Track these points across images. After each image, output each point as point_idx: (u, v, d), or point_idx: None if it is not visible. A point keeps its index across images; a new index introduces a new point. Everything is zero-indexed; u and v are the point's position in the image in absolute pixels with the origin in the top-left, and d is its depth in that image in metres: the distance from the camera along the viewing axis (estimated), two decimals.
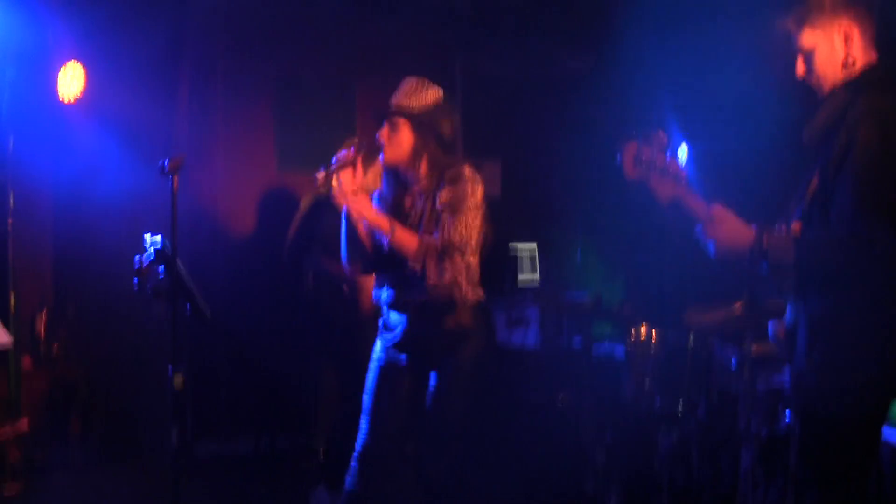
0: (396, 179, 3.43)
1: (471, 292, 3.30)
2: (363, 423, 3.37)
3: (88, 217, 5.27)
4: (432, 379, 3.30)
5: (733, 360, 4.29)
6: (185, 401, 3.30)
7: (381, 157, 3.35)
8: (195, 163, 5.57)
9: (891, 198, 2.33)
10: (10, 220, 4.86)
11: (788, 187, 2.73)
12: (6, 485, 4.65)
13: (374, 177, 3.61)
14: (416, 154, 3.32)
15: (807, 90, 2.68)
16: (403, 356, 3.35)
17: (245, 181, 5.95)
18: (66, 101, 5.19)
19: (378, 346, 3.44)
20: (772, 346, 4.21)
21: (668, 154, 2.48)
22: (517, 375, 5.41)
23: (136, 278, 3.47)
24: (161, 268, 3.39)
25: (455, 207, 3.23)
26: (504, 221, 6.64)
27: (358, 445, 3.36)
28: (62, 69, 5.17)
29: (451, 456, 3.34)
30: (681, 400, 4.15)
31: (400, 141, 3.32)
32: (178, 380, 3.11)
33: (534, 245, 6.43)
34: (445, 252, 3.21)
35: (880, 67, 2.54)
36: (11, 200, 4.86)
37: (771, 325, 3.66)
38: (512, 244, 6.31)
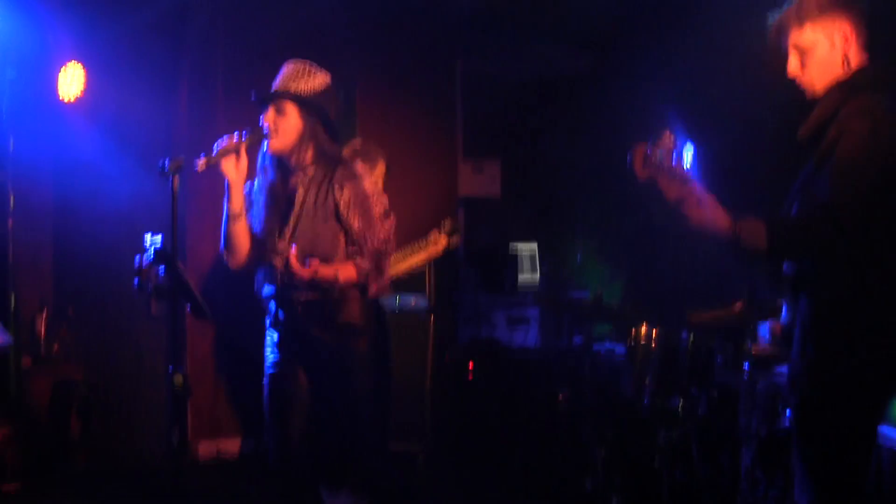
0: (277, 164, 3.25)
1: (357, 290, 3.18)
2: (268, 435, 3.25)
3: (88, 217, 5.27)
4: (328, 377, 3.19)
5: (733, 360, 4.29)
6: (185, 401, 3.29)
7: (265, 143, 3.20)
8: (195, 163, 5.56)
9: (867, 190, 2.35)
10: (10, 221, 4.86)
11: (788, 187, 2.74)
12: (5, 485, 4.65)
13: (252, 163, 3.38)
14: (303, 140, 3.17)
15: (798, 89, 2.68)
16: (295, 354, 3.23)
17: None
18: (66, 102, 5.20)
19: (268, 346, 3.29)
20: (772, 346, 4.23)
21: (675, 155, 2.49)
22: (518, 375, 5.41)
23: (136, 278, 3.46)
24: (161, 268, 3.39)
25: (363, 210, 3.13)
26: (504, 221, 6.71)
27: (271, 458, 3.25)
28: (62, 70, 5.17)
29: (372, 447, 3.28)
30: (681, 399, 4.15)
31: (287, 127, 3.16)
32: (178, 379, 3.10)
33: (534, 245, 6.43)
34: (381, 260, 3.14)
35: (871, 69, 2.56)
36: (11, 201, 4.87)
37: (766, 326, 3.68)
38: (512, 244, 6.31)
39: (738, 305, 3.76)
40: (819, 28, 2.56)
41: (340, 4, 5.85)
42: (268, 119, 3.19)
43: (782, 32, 2.62)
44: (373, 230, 3.13)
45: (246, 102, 6.08)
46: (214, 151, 3.11)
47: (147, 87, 5.42)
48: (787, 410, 3.91)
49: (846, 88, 2.52)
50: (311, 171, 3.19)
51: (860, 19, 2.57)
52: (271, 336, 3.29)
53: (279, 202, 3.22)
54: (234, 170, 3.13)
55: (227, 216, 3.20)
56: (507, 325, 5.79)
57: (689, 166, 2.51)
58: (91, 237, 5.28)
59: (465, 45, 6.56)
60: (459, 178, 6.56)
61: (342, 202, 3.14)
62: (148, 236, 3.44)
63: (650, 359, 4.24)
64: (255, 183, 3.31)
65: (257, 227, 3.24)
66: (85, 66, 5.22)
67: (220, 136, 3.20)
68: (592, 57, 6.76)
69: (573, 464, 4.55)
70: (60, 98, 5.17)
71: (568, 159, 6.66)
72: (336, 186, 3.15)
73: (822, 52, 2.56)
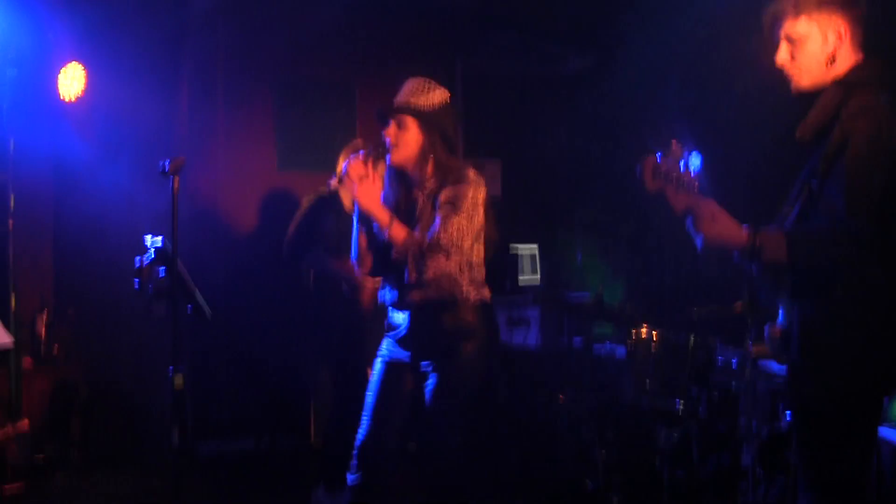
0: (400, 179, 3.40)
1: (473, 292, 3.28)
2: (364, 419, 3.35)
3: (89, 217, 5.27)
4: (433, 377, 3.28)
5: (734, 360, 4.30)
6: (186, 401, 3.29)
7: (387, 157, 3.31)
8: (195, 163, 5.57)
9: (880, 195, 2.33)
10: (10, 221, 4.85)
11: (788, 189, 2.73)
12: (7, 485, 4.65)
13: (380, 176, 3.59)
14: (423, 154, 3.29)
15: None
16: (406, 354, 3.34)
17: (245, 181, 5.95)
18: (66, 102, 5.19)
19: (384, 344, 3.43)
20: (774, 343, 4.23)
21: (683, 164, 2.47)
22: (518, 375, 5.41)
23: (136, 278, 3.47)
24: (161, 268, 3.40)
25: (452, 208, 3.21)
26: (504, 221, 6.69)
27: (358, 441, 3.34)
28: (63, 70, 5.17)
29: (451, 453, 3.33)
30: (681, 399, 4.15)
31: (408, 140, 3.29)
32: (178, 380, 3.11)
33: (535, 245, 6.43)
34: (430, 250, 3.17)
35: (869, 66, 2.55)
36: (12, 201, 4.86)
37: (767, 328, 3.66)
38: (513, 244, 6.31)
39: (738, 307, 3.76)
40: (814, 21, 2.55)
41: (341, 4, 5.84)
42: (390, 133, 3.30)
43: (777, 20, 2.61)
44: (446, 225, 3.18)
45: (245, 102, 6.13)
46: (344, 171, 3.21)
47: (147, 88, 5.41)
48: (788, 411, 3.92)
49: (845, 86, 2.52)
50: (430, 184, 3.31)
51: (857, 20, 2.56)
52: (387, 338, 3.41)
53: (400, 214, 3.31)
54: (355, 182, 3.21)
55: (357, 228, 3.33)
56: (508, 325, 5.79)
57: (696, 176, 2.48)
58: (91, 237, 5.28)
59: (465, 44, 6.56)
60: None
61: (440, 200, 3.24)
62: (148, 237, 3.45)
63: (650, 359, 4.25)
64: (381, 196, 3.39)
65: (382, 238, 3.31)
66: (85, 66, 5.21)
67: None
68: (592, 57, 6.76)
69: (574, 464, 4.56)
70: (61, 98, 5.17)
71: (568, 159, 6.66)
72: (442, 191, 3.26)
73: (813, 46, 2.56)
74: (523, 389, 5.30)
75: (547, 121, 6.85)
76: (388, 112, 3.33)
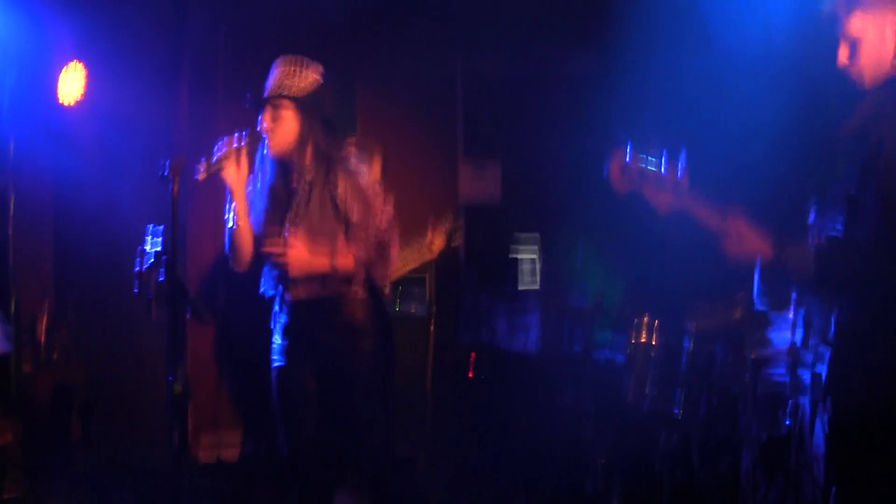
0: (277, 165, 3.25)
1: (360, 289, 3.19)
2: (280, 432, 3.25)
3: (89, 220, 5.26)
4: (332, 377, 3.20)
5: (733, 363, 4.29)
6: (185, 402, 3.29)
7: (264, 145, 3.19)
8: (195, 163, 5.55)
9: None
10: (10, 223, 4.85)
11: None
12: (7, 488, 4.64)
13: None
14: (301, 140, 3.16)
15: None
16: (301, 355, 3.23)
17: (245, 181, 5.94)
18: (66, 103, 5.18)
19: (274, 345, 3.30)
20: (773, 347, 4.22)
21: (664, 161, 2.38)
22: (518, 378, 5.41)
23: (136, 281, 3.47)
24: (161, 271, 3.40)
25: (361, 201, 3.13)
26: (504, 222, 6.70)
27: (285, 456, 3.25)
28: (63, 71, 5.16)
29: (379, 447, 3.27)
30: (681, 401, 4.15)
31: (285, 128, 3.15)
32: (177, 388, 3.09)
33: (535, 247, 6.42)
34: (384, 247, 3.13)
35: None
36: (12, 203, 4.85)
37: (778, 329, 3.63)
38: (513, 246, 6.30)
39: (737, 312, 3.75)
40: (869, 19, 2.42)
41: (341, 4, 5.84)
42: (265, 120, 3.17)
43: (834, 21, 2.48)
44: (372, 219, 3.14)
45: (246, 102, 6.10)
46: (214, 158, 3.12)
47: (147, 88, 5.41)
48: (788, 414, 3.91)
49: (890, 87, 2.40)
50: (310, 170, 3.19)
51: None
52: (276, 336, 3.29)
53: (281, 203, 3.21)
54: (234, 175, 3.12)
55: (231, 220, 3.20)
56: (507, 328, 5.78)
57: (683, 176, 2.37)
58: (91, 240, 5.27)
59: (465, 44, 6.55)
60: (459, 179, 6.55)
61: (339, 198, 3.15)
62: (148, 239, 3.45)
63: (650, 362, 4.24)
64: (257, 184, 3.30)
65: (259, 229, 3.24)
66: (86, 66, 5.21)
67: (220, 138, 3.20)
68: (593, 57, 6.75)
69: (574, 467, 4.55)
70: (61, 99, 5.16)
71: (568, 160, 6.64)
72: (333, 184, 3.16)
73: (870, 44, 2.42)
74: (523, 392, 5.29)
75: (547, 121, 6.83)
76: (261, 101, 3.18)
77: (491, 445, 5.16)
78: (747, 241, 2.37)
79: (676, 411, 4.14)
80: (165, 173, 3.10)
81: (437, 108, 6.43)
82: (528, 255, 6.36)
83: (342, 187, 3.15)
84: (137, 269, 3.43)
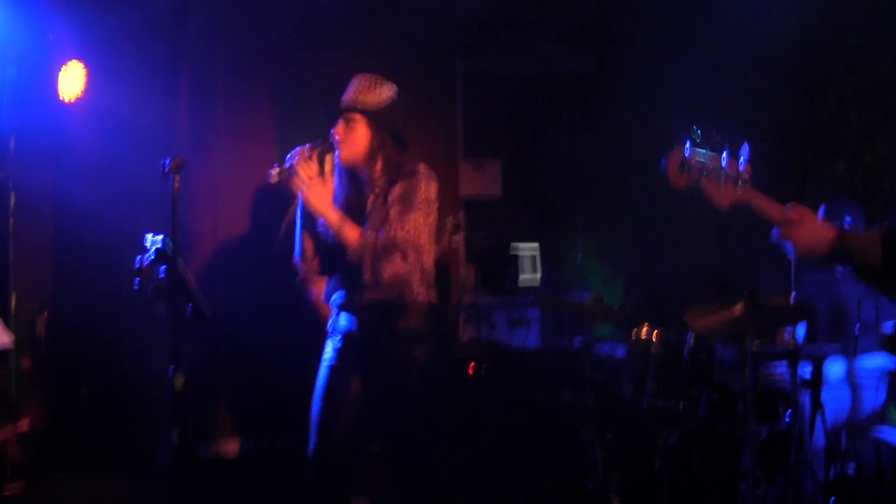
0: (350, 178, 3.34)
1: (423, 294, 3.22)
2: (311, 428, 3.25)
3: (88, 217, 5.27)
4: (383, 383, 3.21)
5: (734, 360, 4.29)
6: (186, 401, 3.29)
7: (336, 155, 3.28)
8: (195, 163, 5.56)
9: None
10: (10, 221, 4.85)
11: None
12: (7, 485, 4.65)
13: (330, 176, 3.46)
14: (372, 153, 3.26)
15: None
16: (353, 358, 3.26)
17: (245, 181, 5.95)
18: (66, 101, 5.19)
19: (328, 347, 3.33)
20: (777, 344, 4.23)
21: (725, 155, 2.27)
22: (519, 375, 5.41)
23: (136, 278, 3.46)
24: (162, 268, 3.39)
25: (405, 204, 3.16)
26: (505, 221, 6.70)
27: (309, 452, 3.24)
28: (63, 69, 5.16)
29: (420, 456, 3.26)
30: (681, 399, 4.15)
31: (356, 139, 3.25)
32: (178, 381, 3.10)
33: (535, 245, 6.43)
34: (386, 250, 3.13)
35: None
36: (12, 200, 4.86)
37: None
38: (513, 244, 6.31)
39: (738, 308, 3.75)
40: None
41: (340, 3, 5.84)
42: (338, 131, 3.28)
43: None
44: (401, 222, 3.15)
45: (246, 102, 6.12)
46: (287, 163, 3.20)
47: (147, 87, 5.41)
48: (788, 411, 3.91)
49: None
50: (380, 182, 3.27)
51: None
52: (335, 337, 3.32)
53: (352, 214, 3.27)
54: (305, 181, 3.19)
55: (301, 227, 3.31)
56: (508, 325, 5.79)
57: (746, 168, 2.24)
58: (91, 237, 5.27)
59: (465, 43, 6.56)
60: (460, 177, 6.55)
61: (392, 196, 3.20)
62: (149, 236, 3.44)
63: (650, 359, 4.24)
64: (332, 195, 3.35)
65: (329, 236, 3.28)
66: (86, 65, 5.21)
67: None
68: (592, 57, 6.75)
69: (574, 464, 4.55)
70: (61, 97, 5.16)
71: (568, 159, 6.65)
72: (392, 187, 3.22)
73: None
74: (523, 389, 5.30)
75: (547, 121, 6.84)
76: (336, 111, 3.28)
77: (490, 441, 5.16)
78: (808, 227, 2.28)
79: (677, 408, 4.14)
80: (166, 170, 3.11)
81: (437, 107, 6.43)
82: (528, 253, 6.37)
83: (397, 187, 3.21)
84: (137, 265, 3.42)
